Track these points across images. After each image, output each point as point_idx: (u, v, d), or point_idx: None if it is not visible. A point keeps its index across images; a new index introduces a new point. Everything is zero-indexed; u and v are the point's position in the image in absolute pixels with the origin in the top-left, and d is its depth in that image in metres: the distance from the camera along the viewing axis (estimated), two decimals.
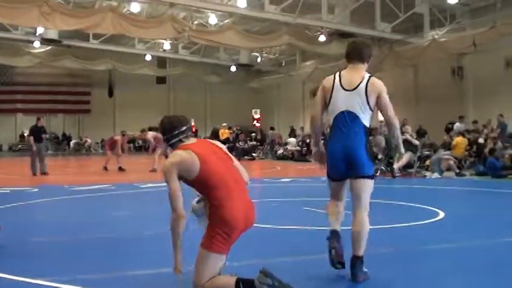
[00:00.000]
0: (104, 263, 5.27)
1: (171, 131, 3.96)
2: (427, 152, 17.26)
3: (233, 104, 37.64)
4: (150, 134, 18.36)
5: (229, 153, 4.12)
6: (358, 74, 4.57)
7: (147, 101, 36.57)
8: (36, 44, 28.93)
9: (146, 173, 16.72)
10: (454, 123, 20.97)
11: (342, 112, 4.53)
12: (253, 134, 31.72)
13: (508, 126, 18.70)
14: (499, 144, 16.54)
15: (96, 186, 12.93)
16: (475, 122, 20.56)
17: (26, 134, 28.91)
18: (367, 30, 24.19)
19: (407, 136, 15.48)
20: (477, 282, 4.57)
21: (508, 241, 6.22)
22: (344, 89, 4.54)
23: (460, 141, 17.23)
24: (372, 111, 4.57)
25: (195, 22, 26.06)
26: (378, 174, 13.95)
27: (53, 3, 20.00)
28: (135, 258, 5.51)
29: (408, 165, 16.09)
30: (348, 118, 4.50)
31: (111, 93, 38.69)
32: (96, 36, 28.55)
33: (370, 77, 4.56)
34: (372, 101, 4.51)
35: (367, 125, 4.57)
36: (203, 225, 3.85)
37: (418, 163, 16.51)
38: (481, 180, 14.77)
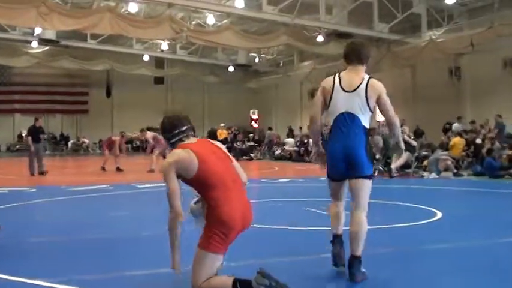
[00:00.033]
0: (101, 263, 5.26)
1: (172, 131, 3.98)
2: (424, 152, 17.27)
3: (231, 104, 37.62)
4: (149, 134, 18.34)
5: (229, 154, 4.12)
6: (358, 75, 4.61)
7: (145, 101, 36.52)
8: (34, 44, 28.88)
9: (144, 174, 16.70)
10: (452, 123, 21.00)
11: (342, 113, 4.56)
12: (251, 135, 31.71)
13: (505, 126, 18.72)
14: (497, 144, 16.56)
15: (94, 187, 12.91)
16: (472, 122, 20.58)
17: (23, 134, 28.84)
18: (365, 31, 24.20)
19: (405, 137, 15.48)
20: (474, 282, 4.58)
21: (505, 241, 6.23)
22: (344, 90, 4.58)
23: (457, 141, 17.24)
24: (372, 112, 4.61)
25: (193, 22, 26.04)
26: (375, 174, 13.95)
27: (50, 4, 19.98)
28: (132, 258, 5.49)
29: (406, 166, 16.10)
30: (347, 119, 4.54)
31: (109, 94, 38.62)
32: (94, 37, 28.51)
33: (369, 78, 4.59)
34: (372, 102, 4.55)
35: (367, 126, 4.61)
36: (200, 226, 3.86)
37: (416, 163, 16.53)
38: (478, 180, 14.78)
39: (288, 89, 35.24)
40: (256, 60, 34.92)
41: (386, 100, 4.57)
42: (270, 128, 32.56)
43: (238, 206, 3.77)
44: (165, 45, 30.87)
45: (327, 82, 4.71)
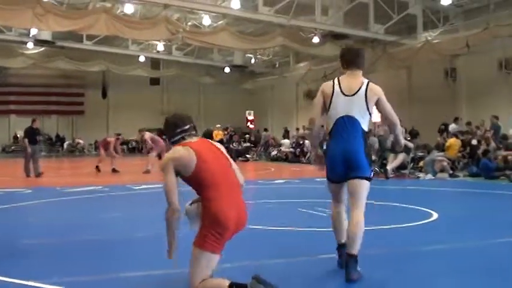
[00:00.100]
0: (94, 265, 5.23)
1: (174, 130, 4.01)
2: (420, 154, 17.28)
3: (227, 105, 37.61)
4: (148, 135, 18.29)
5: (227, 155, 4.12)
6: (357, 80, 4.72)
7: (140, 102, 36.51)
8: (30, 45, 28.85)
9: (140, 175, 16.66)
10: (448, 124, 21.01)
11: (342, 117, 4.65)
12: (247, 136, 31.69)
13: (501, 127, 18.73)
14: (492, 145, 16.57)
15: (89, 188, 12.86)
16: (468, 123, 20.59)
17: (19, 135, 28.73)
18: (361, 32, 24.24)
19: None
20: (470, 283, 4.58)
21: (501, 242, 6.23)
22: (344, 94, 4.67)
23: (453, 142, 17.27)
24: (371, 115, 4.70)
25: (189, 23, 26.05)
26: (372, 175, 13.94)
27: (46, 5, 19.95)
28: (125, 260, 5.46)
29: (402, 167, 16.11)
30: (347, 123, 4.63)
31: (104, 95, 38.58)
32: (90, 38, 28.47)
33: (368, 82, 4.71)
34: (371, 106, 4.67)
35: (366, 129, 4.72)
36: (195, 228, 3.85)
37: (412, 164, 16.54)
38: (474, 181, 14.80)
39: (284, 90, 35.27)
40: (252, 61, 34.92)
41: (387, 103, 4.72)
42: (265, 129, 32.56)
43: (234, 206, 3.77)
44: (160, 46, 30.87)
45: (327, 86, 4.79)
